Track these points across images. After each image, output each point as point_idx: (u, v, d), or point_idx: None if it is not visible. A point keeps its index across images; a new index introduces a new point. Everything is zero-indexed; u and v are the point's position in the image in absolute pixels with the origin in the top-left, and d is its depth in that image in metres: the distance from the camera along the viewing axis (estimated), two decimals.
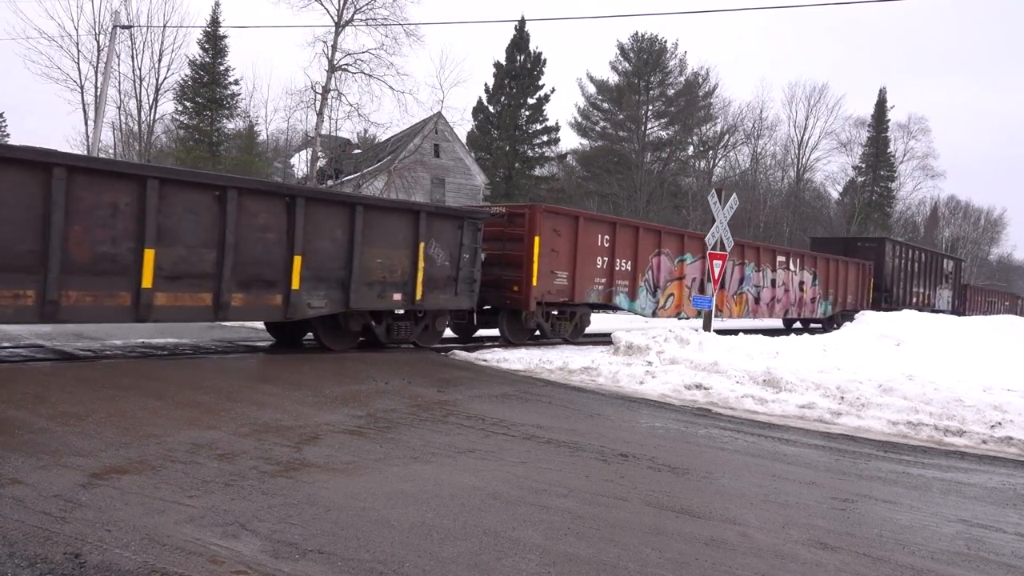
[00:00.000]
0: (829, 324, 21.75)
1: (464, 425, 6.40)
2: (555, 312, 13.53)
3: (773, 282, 19.67)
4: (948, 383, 8.70)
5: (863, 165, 56.35)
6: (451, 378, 9.05)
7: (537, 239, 12.38)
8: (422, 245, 10.68)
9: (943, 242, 70.60)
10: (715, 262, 14.14)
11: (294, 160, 39.45)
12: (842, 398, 8.54)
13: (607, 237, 14.11)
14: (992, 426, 7.57)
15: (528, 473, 4.97)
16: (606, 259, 14.06)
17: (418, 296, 10.76)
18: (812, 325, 22.38)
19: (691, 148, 52.65)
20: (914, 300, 27.61)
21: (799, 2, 40.93)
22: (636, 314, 15.59)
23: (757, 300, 19.05)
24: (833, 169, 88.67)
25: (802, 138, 55.23)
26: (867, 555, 3.86)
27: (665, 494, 4.72)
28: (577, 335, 14.21)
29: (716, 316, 15.85)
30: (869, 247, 26.48)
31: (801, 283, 20.97)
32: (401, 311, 10.98)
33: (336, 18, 27.59)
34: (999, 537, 4.38)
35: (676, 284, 16.05)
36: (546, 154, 45.79)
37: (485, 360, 10.79)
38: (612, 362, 10.57)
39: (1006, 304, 47.20)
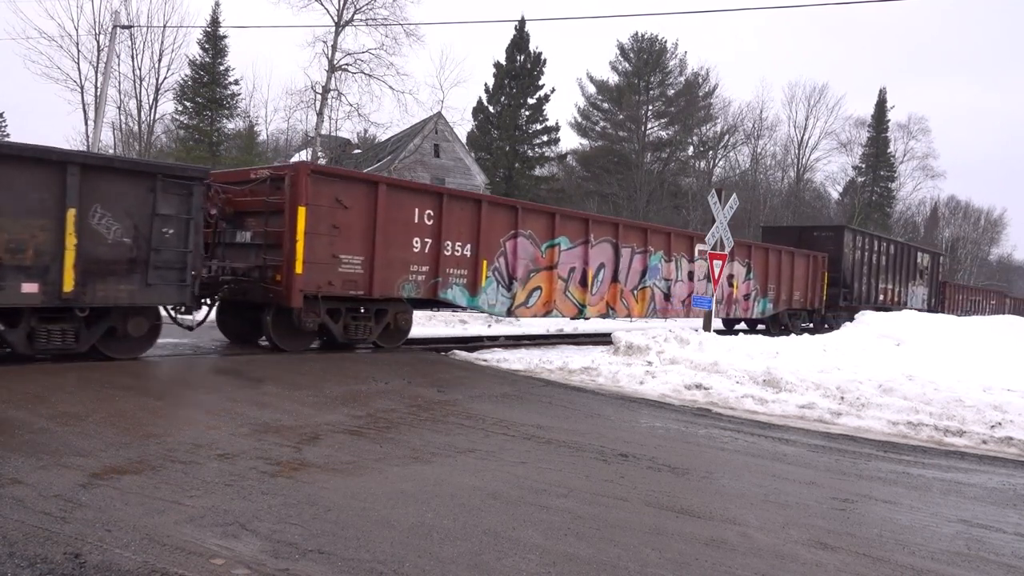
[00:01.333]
0: (775, 325, 20.09)
1: (464, 425, 6.40)
2: (357, 310, 10.46)
3: (691, 275, 16.61)
4: (948, 383, 8.70)
5: (863, 165, 56.38)
6: (451, 378, 9.05)
7: (303, 211, 9.31)
8: (73, 212, 7.40)
9: (943, 242, 70.63)
10: (715, 262, 14.15)
11: (294, 160, 39.47)
12: (842, 398, 8.54)
13: (430, 212, 10.95)
14: (992, 426, 7.57)
15: (528, 473, 4.97)
16: (429, 241, 10.93)
17: (67, 286, 7.42)
18: (759, 326, 21.00)
19: (691, 148, 52.64)
20: (881, 297, 25.30)
21: (799, 2, 40.93)
22: (481, 312, 12.61)
23: (667, 296, 16.05)
24: (833, 169, 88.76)
25: (802, 138, 55.27)
26: (867, 555, 3.86)
27: (665, 494, 4.72)
28: (394, 340, 11.02)
29: (607, 315, 14.44)
30: (826, 237, 23.42)
31: (730, 277, 17.81)
32: (44, 306, 7.50)
33: (336, 18, 27.61)
34: (999, 537, 4.38)
35: (544, 275, 12.97)
36: (546, 154, 45.79)
37: (485, 360, 10.79)
38: (612, 362, 10.57)
39: (992, 303, 44.34)
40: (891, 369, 9.65)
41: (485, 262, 11.87)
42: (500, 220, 12.23)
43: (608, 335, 12.42)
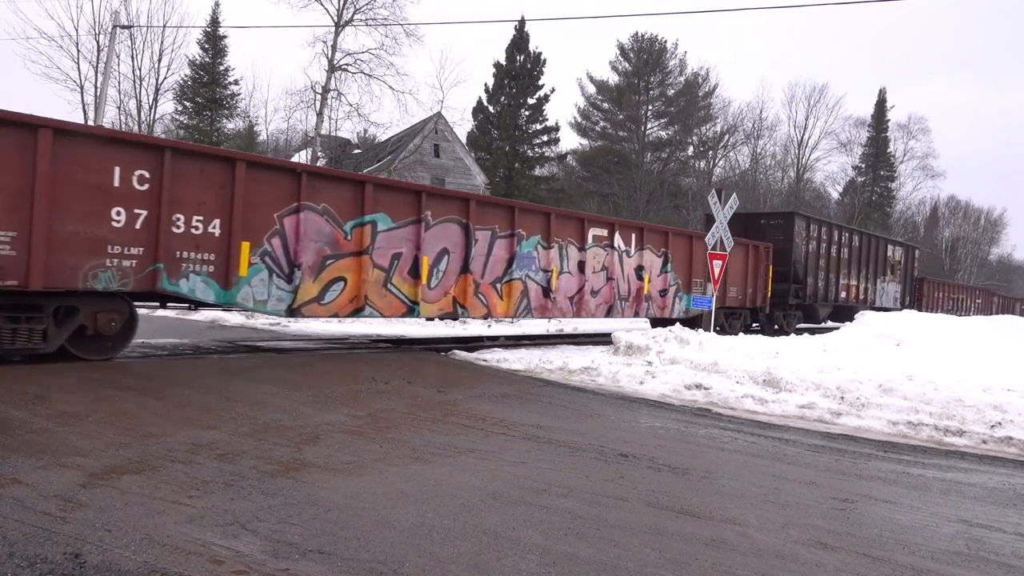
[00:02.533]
0: (696, 324, 16.42)
1: (464, 425, 6.40)
2: (15, 307, 7.42)
3: (581, 265, 13.65)
4: (948, 383, 8.71)
5: (863, 165, 56.44)
6: (451, 378, 9.05)
7: None
8: None
9: (943, 242, 70.69)
10: (715, 262, 14.15)
11: (294, 160, 39.48)
12: (842, 398, 8.54)
13: (143, 174, 8.00)
14: (992, 426, 7.57)
15: (528, 473, 4.97)
16: (143, 213, 7.99)
17: None
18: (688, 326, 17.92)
19: (691, 148, 52.69)
20: (843, 295, 22.91)
21: (799, 2, 40.91)
22: (246, 310, 9.71)
23: (547, 292, 13.08)
24: (833, 169, 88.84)
25: (802, 138, 55.34)
26: (867, 555, 3.86)
27: (665, 494, 4.72)
28: (103, 348, 8.18)
29: (454, 315, 11.64)
30: (775, 225, 20.36)
31: (639, 268, 15.04)
32: None
33: (336, 18, 27.62)
34: (999, 537, 4.38)
35: (350, 263, 10.05)
36: (546, 154, 45.84)
37: (485, 360, 10.79)
38: (612, 362, 10.57)
39: (977, 302, 40.93)
40: (891, 369, 9.66)
41: (246, 244, 8.90)
42: (272, 189, 9.19)
43: (608, 335, 12.41)
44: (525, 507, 4.22)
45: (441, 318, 11.83)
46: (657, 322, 16.23)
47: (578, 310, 13.88)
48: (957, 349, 12.70)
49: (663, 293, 15.92)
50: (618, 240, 14.66)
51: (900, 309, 25.98)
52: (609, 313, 14.58)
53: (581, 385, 9.47)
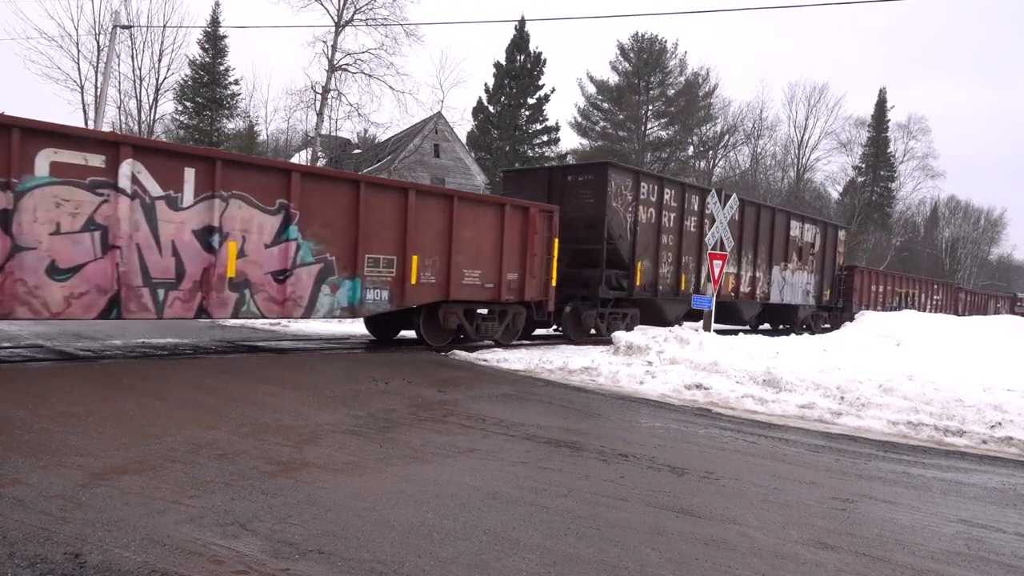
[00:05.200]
0: (428, 327, 11.72)
1: (464, 425, 6.40)
2: None
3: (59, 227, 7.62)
4: (948, 383, 8.71)
5: (863, 165, 56.42)
6: (451, 378, 9.05)
7: None
8: None
9: (943, 242, 70.74)
10: (715, 262, 14.15)
11: (294, 160, 39.52)
12: (842, 398, 8.54)
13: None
14: (992, 426, 7.56)
15: (528, 473, 4.97)
16: None
17: None
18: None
19: (691, 148, 52.69)
20: (708, 285, 16.09)
21: (799, 2, 40.95)
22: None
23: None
24: (833, 169, 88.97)
25: (802, 138, 55.37)
26: (867, 555, 3.86)
27: (665, 494, 4.72)
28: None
29: None
30: (584, 182, 14.38)
31: (210, 231, 8.80)
32: None
33: (336, 18, 27.63)
34: (999, 537, 4.38)
35: None
36: (546, 154, 45.81)
37: (485, 360, 10.79)
38: (612, 362, 10.57)
39: (936, 299, 32.32)
40: (891, 369, 9.66)
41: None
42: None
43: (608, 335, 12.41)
44: (525, 507, 4.22)
45: None
46: (394, 326, 12.52)
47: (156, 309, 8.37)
48: (957, 349, 12.71)
49: (281, 277, 9.52)
50: (142, 177, 8.20)
51: (814, 306, 22.34)
52: (112, 307, 8.04)
53: (581, 385, 9.47)
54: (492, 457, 5.35)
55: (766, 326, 23.06)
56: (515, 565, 3.36)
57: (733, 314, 18.90)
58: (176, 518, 3.61)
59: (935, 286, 33.46)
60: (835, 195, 59.59)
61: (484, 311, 12.55)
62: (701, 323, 13.79)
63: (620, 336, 11.53)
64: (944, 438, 7.39)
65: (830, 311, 23.77)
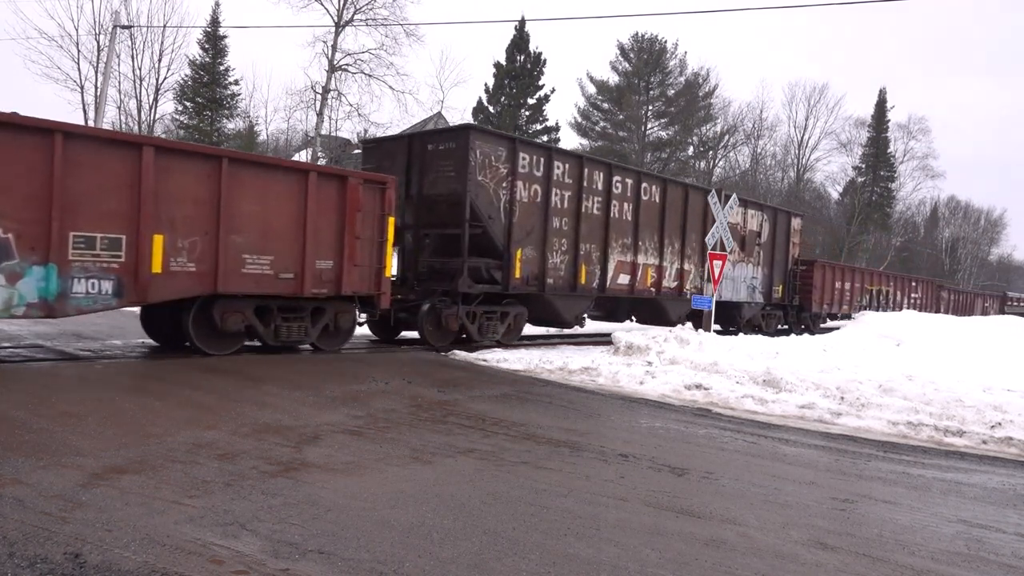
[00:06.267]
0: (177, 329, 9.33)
1: (464, 425, 6.40)
2: None
3: None
4: (948, 383, 8.71)
5: (863, 165, 56.39)
6: (451, 378, 9.05)
7: None
8: None
9: (943, 242, 70.75)
10: (715, 262, 14.16)
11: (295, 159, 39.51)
12: (842, 398, 8.54)
13: None
14: (992, 426, 7.56)
15: (528, 473, 4.97)
16: None
17: None
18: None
19: (691, 148, 52.68)
20: (622, 279, 14.42)
21: (799, 2, 41.00)
22: None
23: None
24: (833, 169, 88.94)
25: (802, 138, 55.38)
26: (867, 555, 3.86)
27: (665, 494, 4.72)
28: None
29: None
30: (445, 151, 11.94)
31: None
32: None
33: (336, 18, 27.65)
34: (999, 537, 4.38)
35: None
36: None
37: (485, 360, 10.79)
38: (612, 362, 10.57)
39: (914, 297, 29.64)
40: (891, 369, 9.66)
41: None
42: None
43: (608, 335, 12.40)
44: (525, 507, 4.22)
45: None
46: None
47: None
48: (957, 349, 12.71)
49: None
50: None
51: (762, 304, 19.45)
52: None
53: (581, 385, 9.47)
54: (492, 457, 5.35)
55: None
56: (515, 565, 3.36)
57: (657, 313, 16.24)
58: (176, 518, 3.61)
59: (913, 283, 30.82)
60: (835, 195, 59.64)
61: (301, 309, 10.02)
62: (625, 323, 12.93)
63: (620, 336, 11.53)
64: (944, 438, 7.39)
65: (785, 310, 21.17)
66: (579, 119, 52.99)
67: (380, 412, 6.67)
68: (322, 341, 10.43)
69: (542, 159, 12.72)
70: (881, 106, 56.39)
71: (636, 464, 5.49)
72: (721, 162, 53.81)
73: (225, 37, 35.98)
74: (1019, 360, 11.19)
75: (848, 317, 22.82)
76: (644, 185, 15.00)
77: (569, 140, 56.22)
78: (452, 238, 11.95)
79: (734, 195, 14.58)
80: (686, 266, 16.43)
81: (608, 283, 14.14)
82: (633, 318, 16.94)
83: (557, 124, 45.20)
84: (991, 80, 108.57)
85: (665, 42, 50.93)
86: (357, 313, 10.82)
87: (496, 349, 12.32)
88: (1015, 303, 48.33)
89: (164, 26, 32.07)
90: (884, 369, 9.68)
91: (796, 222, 21.08)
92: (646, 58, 50.67)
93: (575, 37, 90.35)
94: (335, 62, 27.74)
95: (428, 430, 6.08)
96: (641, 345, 11.11)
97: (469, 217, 11.49)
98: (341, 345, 10.81)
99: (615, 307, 16.45)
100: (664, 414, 7.84)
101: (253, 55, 68.08)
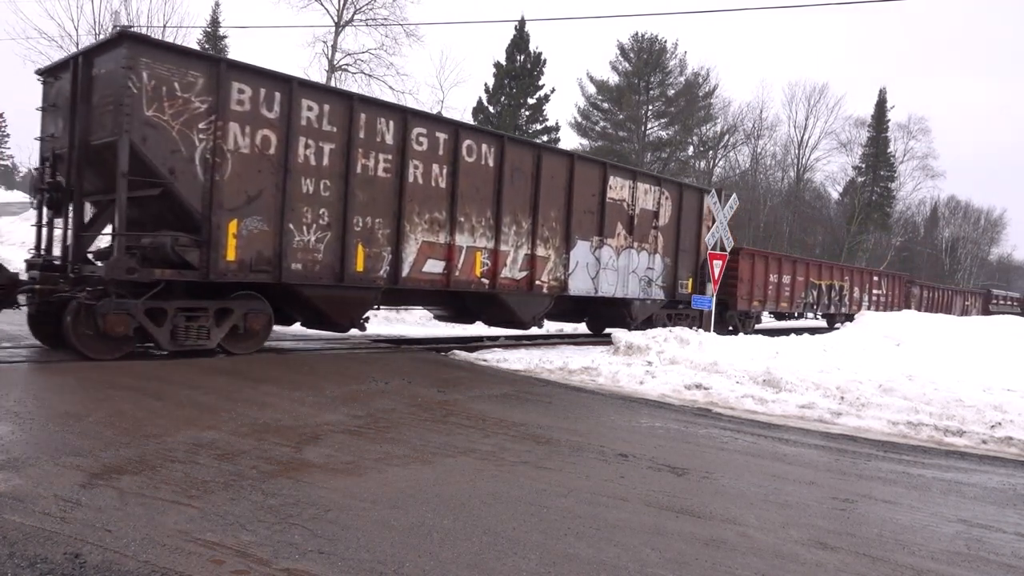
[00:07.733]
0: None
1: (464, 425, 6.40)
2: None
3: None
4: (948, 383, 8.71)
5: (863, 165, 56.41)
6: (451, 378, 9.05)
7: None
8: None
9: (943, 242, 70.76)
10: (715, 262, 14.16)
11: None
12: (842, 398, 8.54)
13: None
14: (992, 426, 7.56)
15: (528, 473, 4.97)
16: None
17: None
18: None
19: (691, 148, 52.68)
20: (435, 268, 11.07)
21: (799, 2, 40.98)
22: None
23: None
24: (833, 169, 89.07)
25: (802, 138, 55.41)
26: (867, 555, 3.86)
27: (665, 494, 4.72)
28: None
29: None
30: (106, 76, 8.31)
31: None
32: None
33: (336, 18, 27.66)
34: (999, 537, 4.38)
35: None
36: None
37: (485, 360, 10.79)
38: (612, 362, 10.57)
39: (876, 294, 26.26)
40: (891, 369, 9.66)
41: None
42: None
43: (608, 335, 12.40)
44: (525, 507, 4.22)
45: None
46: None
47: None
48: (957, 349, 12.71)
49: None
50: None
51: (664, 300, 16.03)
52: None
53: (581, 385, 9.47)
54: (492, 457, 5.35)
55: (574, 327, 17.70)
56: (515, 565, 3.36)
57: (502, 312, 12.88)
58: (176, 518, 3.61)
59: (875, 278, 26.99)
60: (835, 195, 59.67)
61: None
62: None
63: (620, 336, 11.53)
64: (944, 438, 7.40)
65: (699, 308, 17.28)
66: (579, 119, 53.00)
67: (380, 412, 6.67)
68: None
69: (278, 94, 9.17)
70: (881, 106, 56.41)
71: (636, 464, 5.49)
72: (721, 162, 53.86)
73: (225, 37, 36.04)
74: (1019, 360, 11.19)
75: (794, 316, 20.59)
76: (468, 143, 11.39)
77: (569, 140, 56.24)
78: (134, 203, 8.41)
79: (734, 195, 14.40)
80: (540, 251, 12.82)
81: (406, 271, 10.73)
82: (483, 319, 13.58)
83: (557, 124, 45.18)
84: (991, 80, 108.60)
85: (665, 42, 50.94)
86: None
87: (496, 349, 12.31)
88: (1000, 302, 44.88)
89: (164, 26, 32.04)
90: (884, 369, 9.68)
91: (709, 200, 16.58)
92: (646, 58, 50.65)
93: (575, 37, 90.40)
94: (335, 62, 27.76)
95: (428, 430, 6.08)
96: (641, 345, 11.12)
97: (130, 170, 8.03)
98: None
99: (463, 305, 13.10)
100: (664, 414, 7.84)
101: (253, 55, 68.17)
